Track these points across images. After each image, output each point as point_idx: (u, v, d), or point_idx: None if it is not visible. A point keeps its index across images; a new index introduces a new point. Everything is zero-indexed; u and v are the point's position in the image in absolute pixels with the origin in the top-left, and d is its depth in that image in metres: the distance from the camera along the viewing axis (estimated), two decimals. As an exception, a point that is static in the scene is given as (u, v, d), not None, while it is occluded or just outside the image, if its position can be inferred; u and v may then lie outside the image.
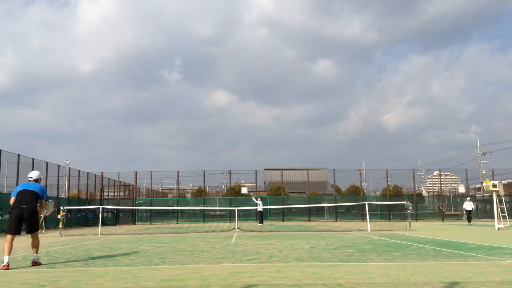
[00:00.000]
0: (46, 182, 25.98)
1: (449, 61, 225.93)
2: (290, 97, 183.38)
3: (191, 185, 54.46)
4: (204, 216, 33.82)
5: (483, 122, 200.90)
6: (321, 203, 35.00)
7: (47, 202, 8.41)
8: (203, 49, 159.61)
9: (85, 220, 30.76)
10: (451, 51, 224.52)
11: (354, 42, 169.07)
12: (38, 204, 7.96)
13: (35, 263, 7.67)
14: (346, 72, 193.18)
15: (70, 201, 29.76)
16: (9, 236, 7.63)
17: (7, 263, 7.23)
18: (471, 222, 26.18)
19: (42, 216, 8.38)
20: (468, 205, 26.59)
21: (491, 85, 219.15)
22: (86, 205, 30.34)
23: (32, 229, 7.81)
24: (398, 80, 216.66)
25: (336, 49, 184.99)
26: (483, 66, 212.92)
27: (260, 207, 25.61)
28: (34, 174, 8.35)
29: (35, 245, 7.82)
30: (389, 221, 31.15)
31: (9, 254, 7.42)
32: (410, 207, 19.69)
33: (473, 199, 32.21)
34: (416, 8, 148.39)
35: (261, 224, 24.93)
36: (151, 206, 34.83)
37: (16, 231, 7.67)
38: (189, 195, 53.65)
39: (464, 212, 26.84)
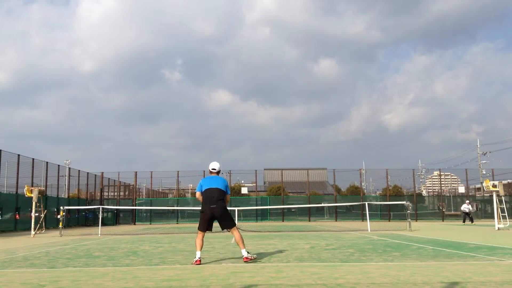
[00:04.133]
0: (46, 182, 26.01)
1: (452, 61, 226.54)
2: (291, 97, 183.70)
3: (191, 185, 54.45)
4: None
5: (485, 122, 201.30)
6: (321, 203, 35.00)
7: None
8: (205, 49, 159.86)
9: (85, 220, 30.77)
10: (455, 50, 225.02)
11: (356, 41, 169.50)
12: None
13: (247, 259, 7.39)
14: (348, 72, 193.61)
15: (70, 201, 29.77)
16: (200, 233, 7.67)
17: (199, 258, 7.35)
18: (473, 222, 26.48)
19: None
20: (466, 208, 26.96)
21: (494, 85, 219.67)
22: (86, 205, 30.35)
23: (228, 226, 7.71)
24: (400, 79, 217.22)
25: (339, 48, 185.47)
26: (486, 66, 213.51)
27: None
28: (217, 166, 8.00)
29: (238, 239, 7.57)
30: (389, 221, 31.14)
31: (200, 249, 7.48)
32: (410, 207, 19.69)
33: (473, 199, 32.26)
34: (420, 8, 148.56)
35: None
36: (151, 206, 34.84)
37: (206, 229, 7.71)
38: (189, 195, 53.64)
39: (465, 214, 27.15)
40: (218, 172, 8.02)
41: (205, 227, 7.69)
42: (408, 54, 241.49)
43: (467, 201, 28.12)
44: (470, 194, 37.41)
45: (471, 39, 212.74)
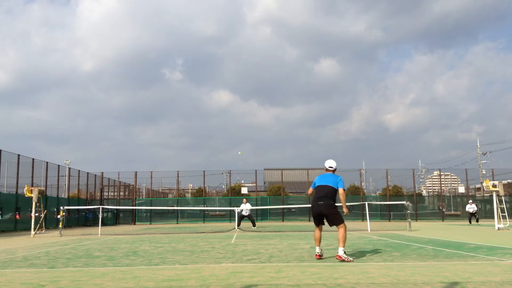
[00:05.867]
0: (46, 182, 26.01)
1: (453, 60, 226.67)
2: (292, 97, 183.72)
3: (191, 185, 54.42)
4: (204, 216, 33.84)
5: (486, 122, 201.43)
6: (321, 203, 34.89)
7: (344, 190, 7.94)
8: (205, 48, 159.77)
9: (85, 220, 30.78)
10: (456, 50, 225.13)
11: (358, 41, 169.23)
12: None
13: (340, 257, 7.43)
14: (349, 72, 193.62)
15: (70, 201, 29.76)
16: (316, 228, 7.89)
17: (317, 253, 7.64)
18: (479, 222, 26.68)
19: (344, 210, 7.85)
20: (470, 208, 26.85)
21: (495, 85, 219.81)
22: (86, 205, 30.35)
23: (335, 223, 7.73)
24: (401, 79, 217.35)
25: (340, 48, 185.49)
26: (487, 65, 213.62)
27: (246, 211, 21.86)
28: (333, 164, 8.07)
29: (341, 237, 7.56)
30: (389, 221, 31.15)
31: (319, 244, 7.77)
32: (410, 207, 19.70)
33: (473, 199, 32.24)
34: (422, 8, 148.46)
35: (255, 226, 21.65)
36: (151, 206, 34.84)
37: (319, 224, 7.86)
38: (189, 195, 53.64)
39: (470, 214, 26.96)
40: (334, 170, 8.07)
41: (317, 222, 7.88)
42: (409, 53, 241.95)
43: (470, 201, 27.99)
44: (470, 194, 37.39)
45: (473, 39, 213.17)
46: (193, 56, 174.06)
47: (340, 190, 7.84)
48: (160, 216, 35.20)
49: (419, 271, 6.31)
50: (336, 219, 7.75)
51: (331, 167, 8.06)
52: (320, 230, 7.92)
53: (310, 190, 8.14)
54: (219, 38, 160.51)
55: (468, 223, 26.59)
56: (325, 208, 7.70)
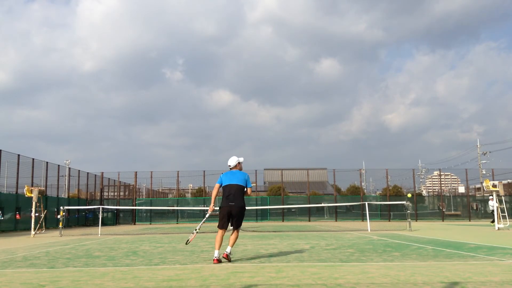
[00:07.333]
0: (46, 182, 26.01)
1: (454, 60, 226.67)
2: (292, 97, 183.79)
3: (191, 185, 54.43)
4: (204, 216, 33.81)
5: (486, 122, 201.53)
6: (321, 203, 35.00)
7: (252, 190, 7.96)
8: (206, 48, 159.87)
9: (85, 220, 30.78)
10: (458, 50, 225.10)
11: (359, 41, 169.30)
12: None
13: (226, 256, 7.46)
14: (350, 71, 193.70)
15: (70, 201, 29.77)
16: (220, 231, 7.62)
17: (216, 257, 7.34)
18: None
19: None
20: (493, 205, 26.06)
21: (496, 85, 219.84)
22: (86, 205, 30.36)
23: (238, 225, 7.74)
24: (402, 79, 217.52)
25: (340, 48, 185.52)
26: (489, 65, 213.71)
27: None
28: (232, 162, 7.86)
29: (234, 239, 7.68)
30: (389, 221, 31.15)
31: (219, 248, 7.45)
32: (410, 207, 19.71)
33: (473, 199, 32.18)
34: (423, 7, 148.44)
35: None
36: (151, 206, 34.84)
37: (225, 227, 7.65)
38: (189, 195, 53.62)
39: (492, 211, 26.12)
40: (235, 167, 7.93)
41: (224, 223, 7.64)
42: (410, 53, 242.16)
43: (491, 197, 27.23)
44: (470, 194, 37.39)
45: (474, 38, 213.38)
46: (194, 56, 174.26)
47: (249, 190, 7.77)
48: (160, 216, 35.21)
49: (419, 271, 6.31)
50: (239, 222, 7.76)
51: (230, 166, 7.91)
52: (224, 232, 7.66)
53: (217, 187, 7.83)
54: (219, 38, 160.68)
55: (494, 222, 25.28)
56: (235, 209, 7.60)
